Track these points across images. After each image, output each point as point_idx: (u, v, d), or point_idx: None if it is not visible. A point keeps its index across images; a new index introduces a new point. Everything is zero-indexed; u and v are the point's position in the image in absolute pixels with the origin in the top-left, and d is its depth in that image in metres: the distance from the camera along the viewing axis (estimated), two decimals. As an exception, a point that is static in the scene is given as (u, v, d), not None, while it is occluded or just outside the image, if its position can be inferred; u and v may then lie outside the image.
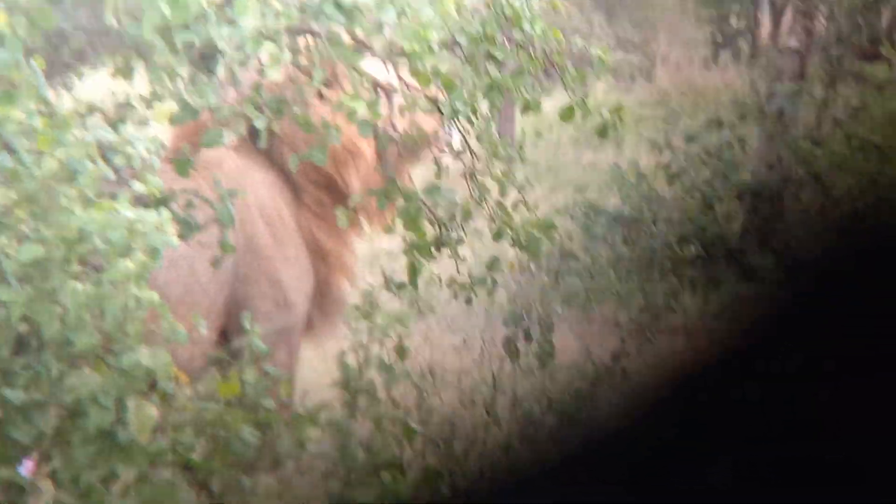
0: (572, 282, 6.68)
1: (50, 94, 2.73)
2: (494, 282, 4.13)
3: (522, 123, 10.17)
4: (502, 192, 4.05)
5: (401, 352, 3.35)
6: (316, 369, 4.10)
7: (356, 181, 4.01)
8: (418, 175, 4.32)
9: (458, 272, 4.04)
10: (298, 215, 3.94)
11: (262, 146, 3.57)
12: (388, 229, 4.18)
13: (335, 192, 4.02)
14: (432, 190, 3.98)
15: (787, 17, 8.66)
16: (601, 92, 11.16)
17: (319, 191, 3.99)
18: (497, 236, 4.08)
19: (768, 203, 7.42)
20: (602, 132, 3.99)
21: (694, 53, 13.67)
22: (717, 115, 7.57)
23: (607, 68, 3.96)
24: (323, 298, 4.07)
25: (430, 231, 4.07)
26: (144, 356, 2.55)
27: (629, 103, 10.92)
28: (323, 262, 4.07)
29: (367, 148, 3.98)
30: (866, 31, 8.05)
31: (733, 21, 14.61)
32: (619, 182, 7.69)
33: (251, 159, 3.86)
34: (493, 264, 4.09)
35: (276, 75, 3.58)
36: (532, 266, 6.87)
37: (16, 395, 2.47)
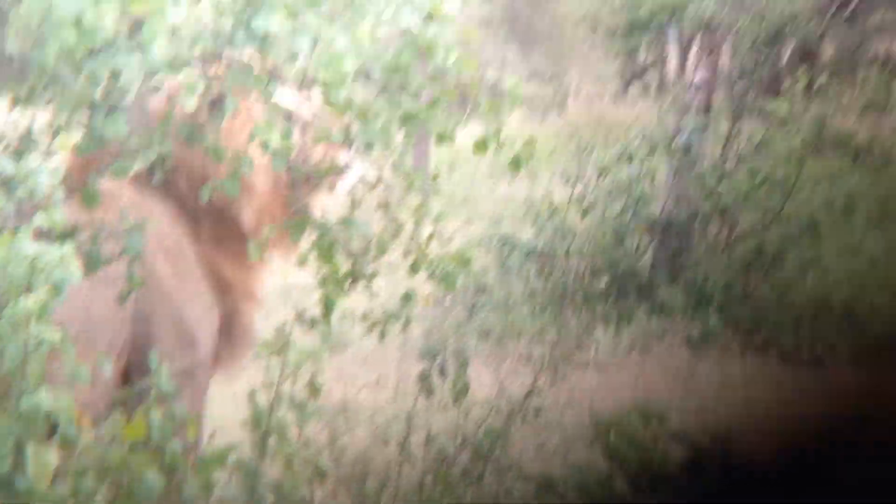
0: (487, 316, 6.69)
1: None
2: (408, 317, 4.10)
3: (437, 155, 10.20)
4: (417, 225, 4.03)
5: (313, 389, 3.30)
6: (225, 408, 4.01)
7: (250, 215, 3.94)
8: (332, 207, 4.28)
9: (372, 307, 4.00)
10: (198, 248, 3.85)
11: (157, 180, 3.49)
12: (301, 262, 4.13)
13: (231, 224, 3.95)
14: (346, 222, 3.95)
15: (694, 52, 8.86)
16: (515, 123, 11.28)
17: (216, 223, 3.92)
18: (413, 270, 4.05)
19: (677, 237, 7.54)
20: (514, 165, 4.01)
21: (605, 86, 13.90)
22: (628, 149, 7.70)
23: (520, 100, 3.98)
24: (230, 331, 3.98)
25: (343, 264, 4.02)
26: (45, 399, 2.45)
27: (542, 135, 11.06)
28: (227, 294, 3.99)
29: (260, 182, 3.92)
30: (768, 66, 8.30)
31: (642, 55, 14.92)
32: (533, 215, 7.76)
33: (147, 191, 3.77)
34: (407, 298, 4.07)
35: (191, 103, 3.51)
36: (447, 300, 6.87)
37: None
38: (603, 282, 6.87)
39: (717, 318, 7.02)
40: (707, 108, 7.68)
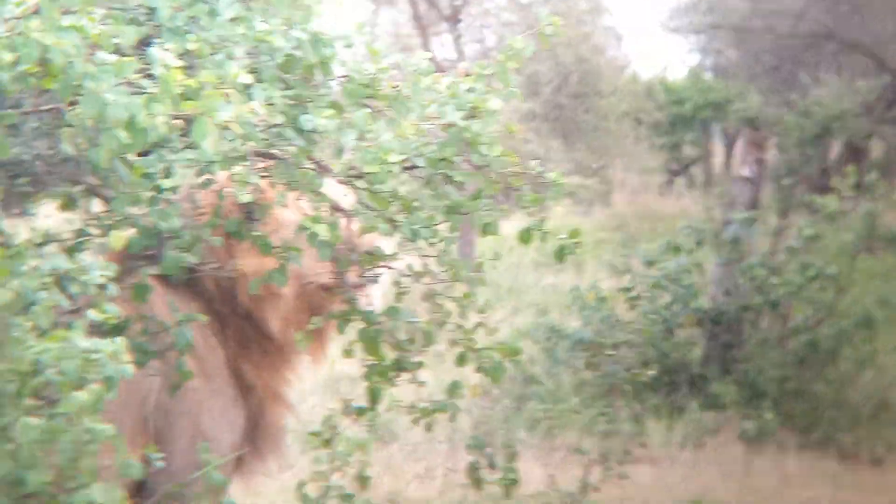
0: (535, 407, 6.61)
1: (6, 224, 2.70)
2: (456, 407, 4.07)
3: (482, 246, 10.24)
4: (463, 315, 4.03)
5: (362, 480, 3.26)
6: (274, 501, 3.98)
7: (277, 320, 3.93)
8: (377, 298, 4.29)
9: (419, 397, 3.98)
10: (224, 349, 3.86)
11: (184, 278, 3.55)
12: (347, 353, 4.13)
13: (257, 327, 3.96)
14: (392, 312, 3.96)
15: (740, 147, 8.91)
16: (560, 215, 11.31)
17: (242, 326, 3.93)
18: (460, 361, 4.04)
19: (728, 330, 7.47)
20: (559, 255, 4.01)
21: (649, 180, 13.95)
22: (675, 241, 7.67)
23: (563, 191, 3.99)
24: (256, 434, 3.93)
25: (389, 355, 4.02)
26: (97, 492, 2.46)
27: (587, 227, 11.08)
28: (253, 397, 3.96)
29: (287, 288, 3.92)
30: (816, 162, 8.30)
31: (687, 150, 14.98)
32: (581, 305, 7.72)
33: (176, 289, 3.82)
34: (454, 388, 4.04)
35: (246, 197, 3.58)
36: (494, 391, 6.81)
37: (-39, 542, 2.36)
38: (653, 373, 6.78)
39: (773, 413, 6.88)
40: (754, 203, 7.67)
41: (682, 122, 14.27)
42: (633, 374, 5.49)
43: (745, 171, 7.72)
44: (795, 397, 7.05)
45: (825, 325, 7.26)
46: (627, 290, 7.71)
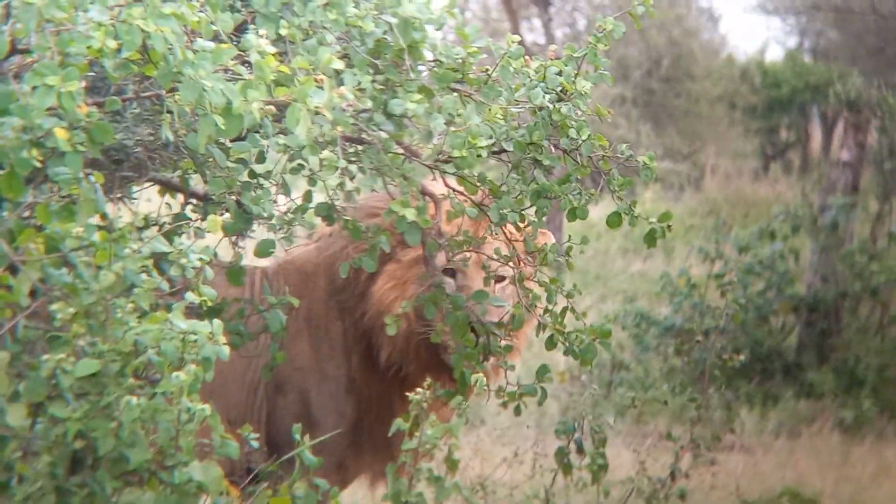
0: (625, 394, 6.58)
1: (108, 208, 2.78)
2: (544, 391, 4.06)
3: (569, 231, 10.17)
4: (550, 300, 4.01)
5: (451, 464, 3.28)
6: (363, 483, 4.03)
7: (387, 351, 3.93)
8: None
9: (507, 381, 3.97)
10: (345, 335, 3.88)
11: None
12: (437, 337, 4.14)
13: (374, 348, 3.96)
14: (479, 296, 3.96)
15: (839, 131, 8.67)
16: (649, 201, 11.17)
17: (362, 341, 3.94)
18: (550, 344, 4.02)
19: (825, 317, 7.31)
20: (650, 240, 3.96)
21: (743, 164, 13.68)
22: (770, 227, 7.53)
23: (653, 175, 3.94)
24: (361, 446, 3.91)
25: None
26: (196, 470, 2.52)
27: (678, 212, 10.92)
28: (360, 405, 3.94)
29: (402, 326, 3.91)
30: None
31: (783, 133, 14.63)
32: (670, 292, 7.63)
33: (313, 269, 3.87)
34: (541, 373, 4.03)
35: (332, 181, 3.61)
36: (583, 377, 6.78)
37: (71, 515, 2.45)
38: (745, 361, 6.68)
39: (871, 401, 6.72)
40: (854, 187, 7.47)
41: (779, 106, 13.96)
42: (724, 360, 5.42)
43: (845, 155, 7.52)
44: (894, 385, 6.87)
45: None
46: (719, 276, 7.59)
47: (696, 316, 7.33)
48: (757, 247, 7.50)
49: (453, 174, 3.74)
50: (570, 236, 4.51)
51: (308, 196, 3.87)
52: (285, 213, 3.85)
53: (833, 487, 5.25)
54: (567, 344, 3.91)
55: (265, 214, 3.63)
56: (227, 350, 2.75)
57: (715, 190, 12.67)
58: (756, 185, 12.75)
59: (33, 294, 2.65)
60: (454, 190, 3.82)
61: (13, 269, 2.64)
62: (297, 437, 2.97)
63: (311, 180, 3.79)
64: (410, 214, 3.58)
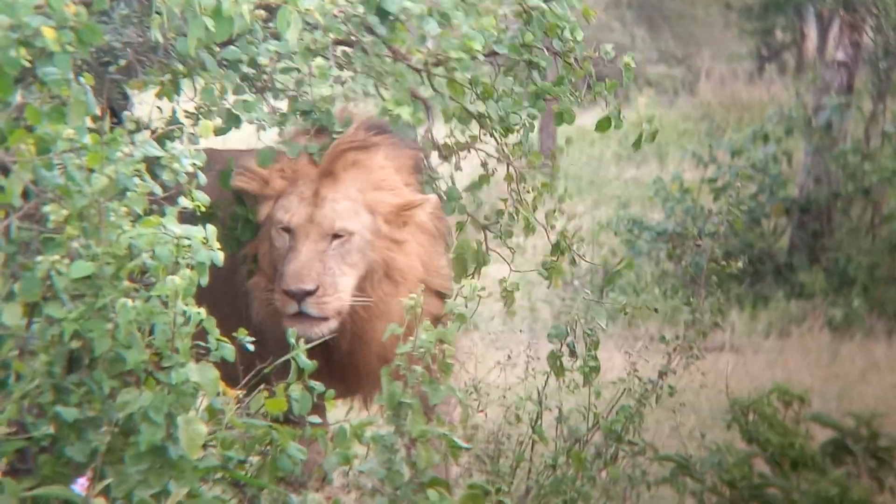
0: (616, 298, 6.62)
1: (98, 111, 2.75)
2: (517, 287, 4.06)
3: (562, 138, 10.13)
4: (536, 203, 4.00)
5: (444, 368, 3.32)
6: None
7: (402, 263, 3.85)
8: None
9: (511, 270, 3.97)
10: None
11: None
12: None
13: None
14: (474, 187, 3.96)
15: (834, 30, 8.56)
16: (643, 106, 11.09)
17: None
18: (556, 250, 4.02)
19: (817, 218, 7.33)
20: (637, 143, 3.96)
21: (738, 67, 13.55)
22: (763, 129, 7.50)
23: (632, 75, 3.91)
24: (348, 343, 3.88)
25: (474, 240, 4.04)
26: (193, 372, 2.55)
27: (672, 118, 10.86)
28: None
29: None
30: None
31: (778, 35, 14.46)
32: (663, 197, 7.64)
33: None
34: (557, 249, 4.03)
35: (325, 90, 3.58)
36: (576, 282, 6.84)
37: (69, 413, 2.48)
38: (738, 264, 6.71)
39: (861, 301, 6.79)
40: (849, 87, 7.42)
41: (775, 6, 13.76)
42: (717, 264, 5.44)
43: (840, 55, 7.45)
44: (885, 284, 6.93)
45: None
46: (712, 180, 7.59)
47: (689, 221, 7.36)
48: (750, 150, 7.49)
49: (444, 77, 3.71)
50: (566, 139, 4.49)
51: (295, 102, 3.84)
52: (276, 113, 3.82)
53: (822, 385, 5.35)
54: (566, 246, 3.93)
55: (257, 117, 3.61)
56: (221, 255, 2.76)
57: (709, 94, 12.57)
58: (751, 88, 12.65)
59: (26, 196, 2.64)
60: (442, 94, 3.79)
61: (5, 171, 2.63)
62: (292, 340, 3.00)
63: (302, 83, 3.75)
64: (405, 113, 3.56)
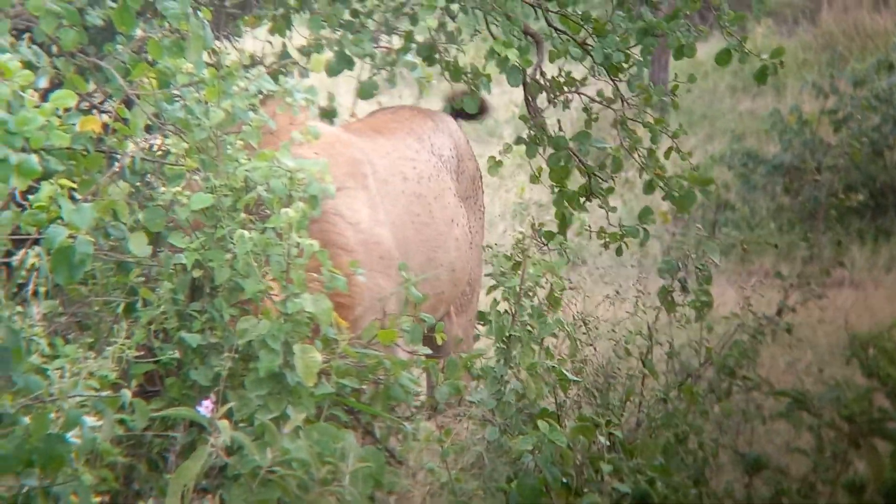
0: (729, 232, 6.50)
1: (216, 46, 2.79)
2: (647, 232, 4.04)
3: (676, 70, 9.88)
4: (654, 141, 3.95)
5: (553, 301, 3.33)
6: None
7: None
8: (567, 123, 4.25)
9: (609, 222, 3.97)
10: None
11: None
12: (535, 178, 4.13)
13: None
14: (581, 137, 3.91)
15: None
16: (760, 36, 10.73)
17: None
18: (648, 189, 3.98)
19: (944, 150, 7.04)
20: (760, 77, 3.84)
21: (863, -7, 12.98)
22: (888, 59, 7.19)
23: (766, 8, 3.79)
24: None
25: (579, 180, 4.01)
26: (308, 302, 2.61)
27: (791, 47, 10.47)
28: None
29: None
30: None
31: (906, -42, 13.78)
32: (780, 129, 7.42)
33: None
34: (644, 214, 4.01)
35: (431, 22, 3.57)
36: (688, 217, 6.72)
37: (193, 339, 2.58)
38: (858, 197, 6.51)
39: None
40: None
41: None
42: (837, 198, 5.29)
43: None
44: None
45: None
46: (833, 112, 7.33)
47: (807, 153, 7.14)
48: (874, 80, 7.19)
49: (556, 13, 3.66)
50: (675, 75, 4.37)
51: (409, 37, 3.84)
52: (387, 53, 3.83)
53: (945, 318, 5.17)
54: (666, 189, 3.87)
55: (366, 54, 3.62)
56: (333, 188, 2.79)
57: (832, 22, 12.08)
58: (876, 16, 12.11)
59: (148, 129, 2.72)
60: (556, 29, 3.73)
61: (128, 104, 2.71)
62: (404, 273, 3.04)
63: (413, 19, 3.75)
64: (513, 55, 3.52)
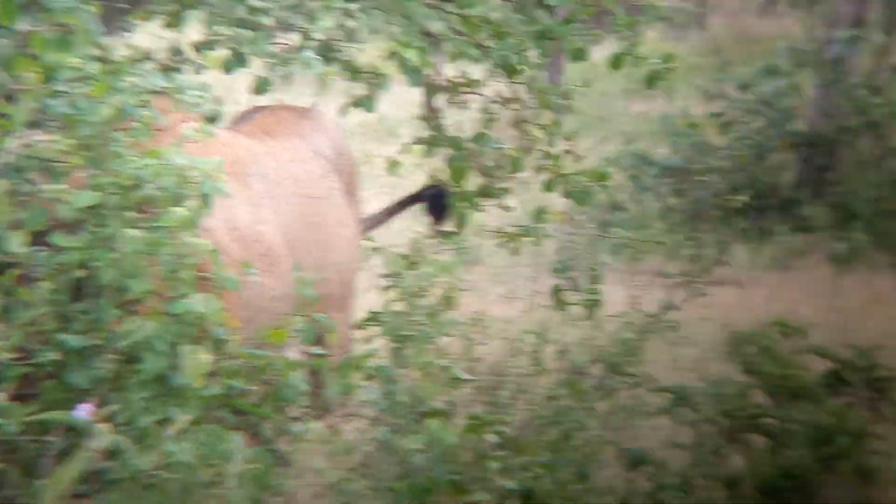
0: (620, 232, 6.63)
1: (105, 41, 2.74)
2: (542, 232, 4.11)
3: (571, 73, 10.03)
4: (550, 142, 4.02)
5: (447, 300, 3.36)
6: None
7: None
8: (466, 124, 4.29)
9: (505, 223, 4.03)
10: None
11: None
12: (434, 178, 4.17)
13: None
14: (479, 138, 3.96)
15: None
16: (653, 40, 10.96)
17: None
18: (547, 187, 4.05)
19: (823, 153, 7.31)
20: (650, 81, 3.95)
21: (749, 0, 13.36)
22: (773, 63, 7.44)
23: (658, 15, 3.89)
24: None
25: (477, 180, 4.05)
26: (197, 302, 2.58)
27: (681, 52, 10.71)
28: None
29: None
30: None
31: (790, -34, 14.25)
32: (670, 132, 7.61)
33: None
34: (539, 214, 4.08)
35: (329, 23, 3.56)
36: (580, 217, 6.84)
37: (74, 340, 2.52)
38: (742, 198, 6.72)
39: (864, 234, 6.79)
40: (860, 20, 7.34)
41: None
42: (722, 199, 5.46)
43: (852, -13, 7.37)
44: (888, 217, 6.93)
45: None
46: (719, 115, 7.55)
47: (695, 156, 7.34)
48: (759, 84, 7.43)
49: (456, 14, 3.69)
50: (571, 79, 4.42)
51: (307, 35, 3.82)
52: (284, 51, 3.80)
53: (823, 317, 5.40)
54: (565, 186, 3.95)
55: (262, 53, 3.59)
56: (225, 187, 2.77)
57: (720, 27, 12.42)
58: (762, 22, 12.49)
59: (32, 125, 2.65)
60: (456, 31, 3.76)
61: (10, 98, 2.63)
62: (297, 273, 3.02)
63: (311, 18, 3.73)
64: (412, 55, 3.54)
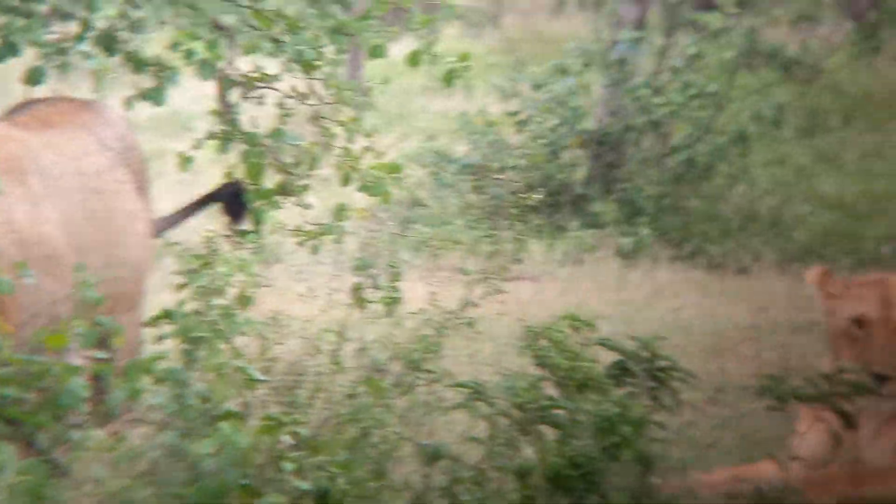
0: (421, 230, 6.69)
1: None
2: (342, 230, 4.08)
3: (371, 70, 10.04)
4: (349, 139, 4.00)
5: (243, 300, 3.28)
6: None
7: None
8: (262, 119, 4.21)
9: (304, 220, 3.97)
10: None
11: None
12: (229, 174, 4.07)
13: None
14: (276, 134, 3.89)
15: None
16: (450, 39, 11.13)
17: None
18: (344, 181, 4.02)
19: (611, 150, 7.60)
20: (447, 79, 3.99)
21: (541, 1, 13.78)
22: (563, 63, 7.68)
23: (455, 13, 3.93)
24: None
25: (274, 177, 3.98)
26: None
27: (477, 50, 10.94)
28: None
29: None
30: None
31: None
32: (469, 130, 7.73)
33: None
34: (339, 212, 4.04)
35: (110, 11, 3.42)
36: (381, 214, 6.86)
37: None
38: (537, 196, 6.91)
39: (649, 229, 7.14)
40: (641, 22, 7.69)
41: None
42: (518, 197, 5.59)
43: (632, -10, 7.71)
44: (671, 213, 7.30)
45: (702, 142, 7.48)
46: (515, 113, 7.73)
47: (493, 153, 7.49)
48: (551, 83, 7.65)
49: (248, 7, 3.61)
50: (370, 75, 4.42)
51: (86, 24, 3.64)
52: (60, 41, 3.62)
53: (611, 310, 5.64)
54: (360, 179, 3.93)
55: (37, 42, 3.40)
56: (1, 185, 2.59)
57: (514, 27, 12.75)
58: (553, 22, 12.90)
59: None
60: (249, 24, 3.68)
61: None
62: (79, 274, 2.87)
63: (91, 6, 3.56)
64: (200, 48, 3.43)
